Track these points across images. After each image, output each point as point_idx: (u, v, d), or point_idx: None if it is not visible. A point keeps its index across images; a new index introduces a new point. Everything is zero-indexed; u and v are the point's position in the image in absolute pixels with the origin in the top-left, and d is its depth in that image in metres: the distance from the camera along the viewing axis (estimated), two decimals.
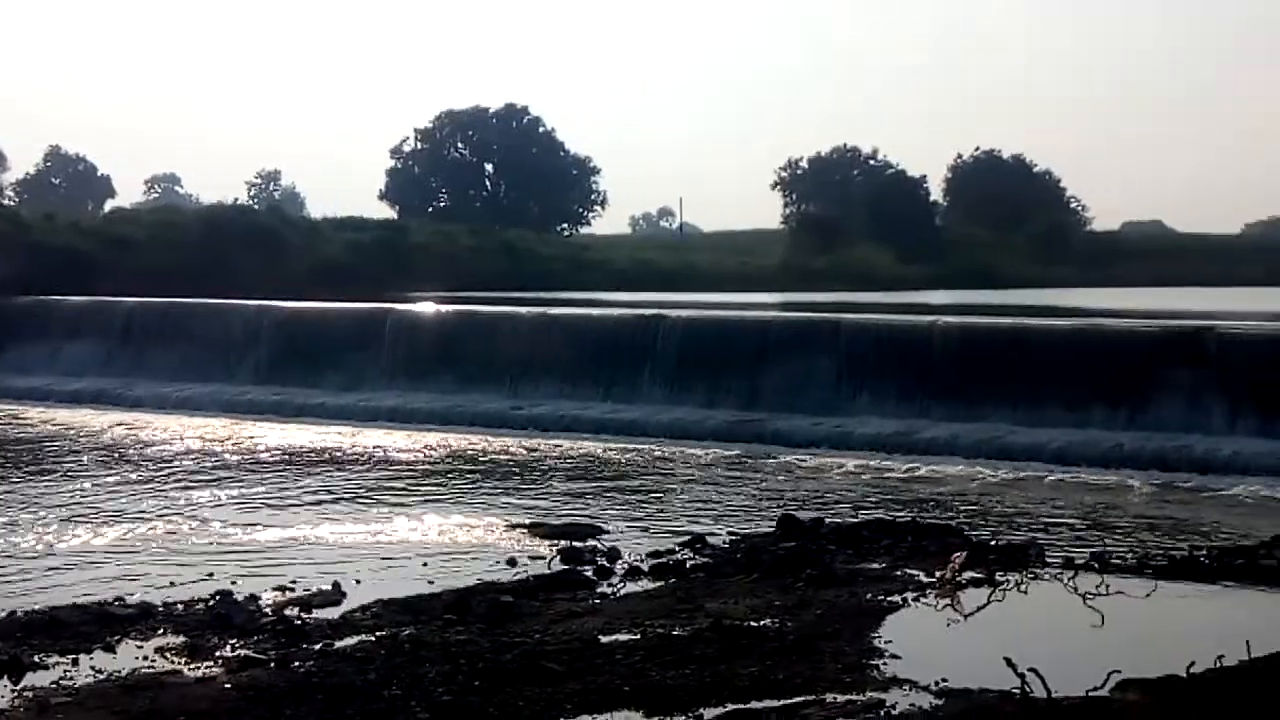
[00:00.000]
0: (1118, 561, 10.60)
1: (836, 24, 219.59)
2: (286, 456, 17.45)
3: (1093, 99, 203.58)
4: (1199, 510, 13.87)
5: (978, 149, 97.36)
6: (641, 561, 10.58)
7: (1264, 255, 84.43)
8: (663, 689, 7.07)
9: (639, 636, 8.12)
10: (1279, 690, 6.69)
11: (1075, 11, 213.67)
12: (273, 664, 7.58)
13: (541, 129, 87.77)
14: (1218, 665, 7.02)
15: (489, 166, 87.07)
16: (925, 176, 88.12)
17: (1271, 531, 11.53)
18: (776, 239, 76.95)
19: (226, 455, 17.47)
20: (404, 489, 14.82)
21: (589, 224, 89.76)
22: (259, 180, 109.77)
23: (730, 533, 11.87)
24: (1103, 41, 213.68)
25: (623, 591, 9.65)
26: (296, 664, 7.55)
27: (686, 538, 11.53)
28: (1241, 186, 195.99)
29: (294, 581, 9.87)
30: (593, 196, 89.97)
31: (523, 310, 24.69)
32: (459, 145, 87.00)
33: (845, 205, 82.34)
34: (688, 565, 10.46)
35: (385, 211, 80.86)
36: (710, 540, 11.43)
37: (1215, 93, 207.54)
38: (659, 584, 9.85)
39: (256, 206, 73.36)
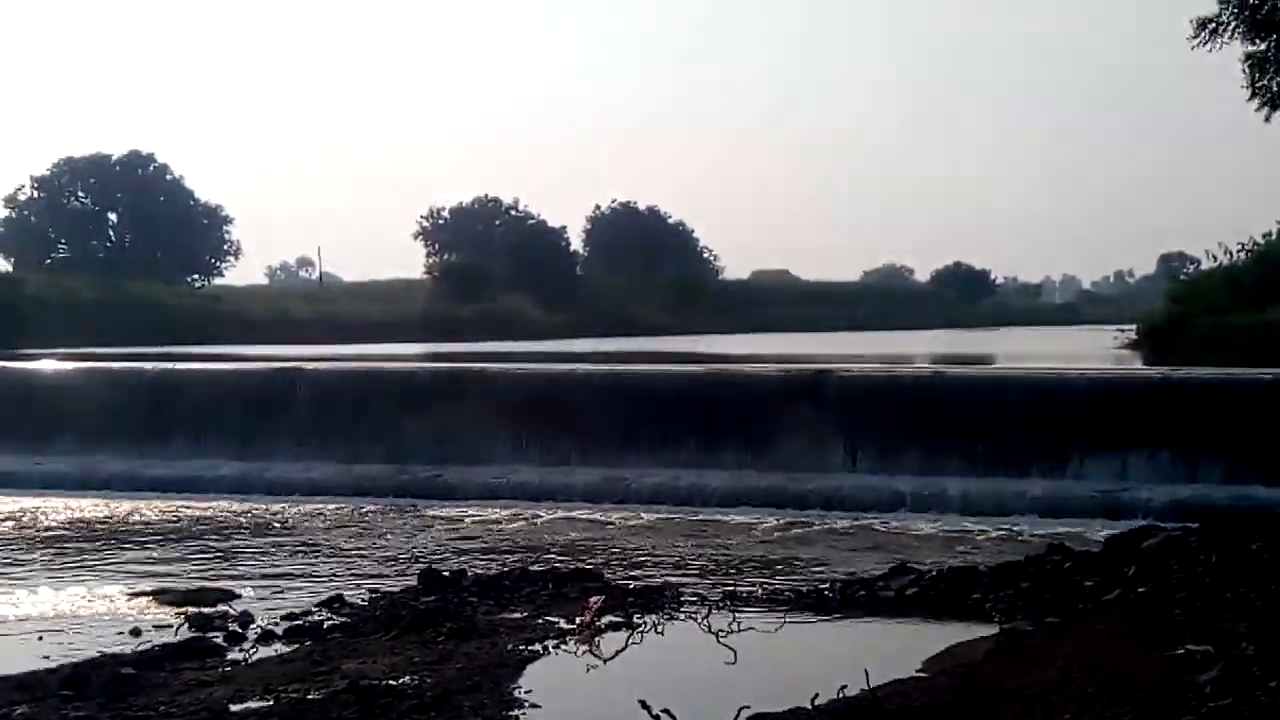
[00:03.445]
0: (748, 598, 10.98)
1: (469, 72, 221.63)
2: None
3: (723, 149, 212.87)
4: (823, 545, 14.54)
5: (614, 200, 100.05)
6: (276, 625, 10.19)
7: (878, 301, 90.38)
8: None
9: (272, 703, 7.82)
10: (894, 716, 7.06)
11: (703, 68, 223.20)
12: None
13: (169, 177, 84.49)
14: (840, 695, 7.34)
15: (113, 216, 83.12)
16: (565, 227, 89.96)
17: (888, 563, 12.20)
18: (420, 288, 76.73)
19: None
20: (17, 560, 13.80)
21: (222, 274, 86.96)
22: None
23: (370, 590, 11.60)
24: (732, 101, 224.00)
25: (255, 657, 9.27)
26: None
27: (324, 597, 11.22)
28: (860, 237, 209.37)
29: None
30: (225, 246, 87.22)
31: (148, 366, 23.57)
32: (80, 194, 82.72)
33: (488, 255, 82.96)
34: (325, 626, 10.15)
35: None
36: (349, 599, 11.15)
37: (838, 150, 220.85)
38: (294, 647, 9.53)
39: None
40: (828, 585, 11.36)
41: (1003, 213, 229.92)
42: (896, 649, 9.00)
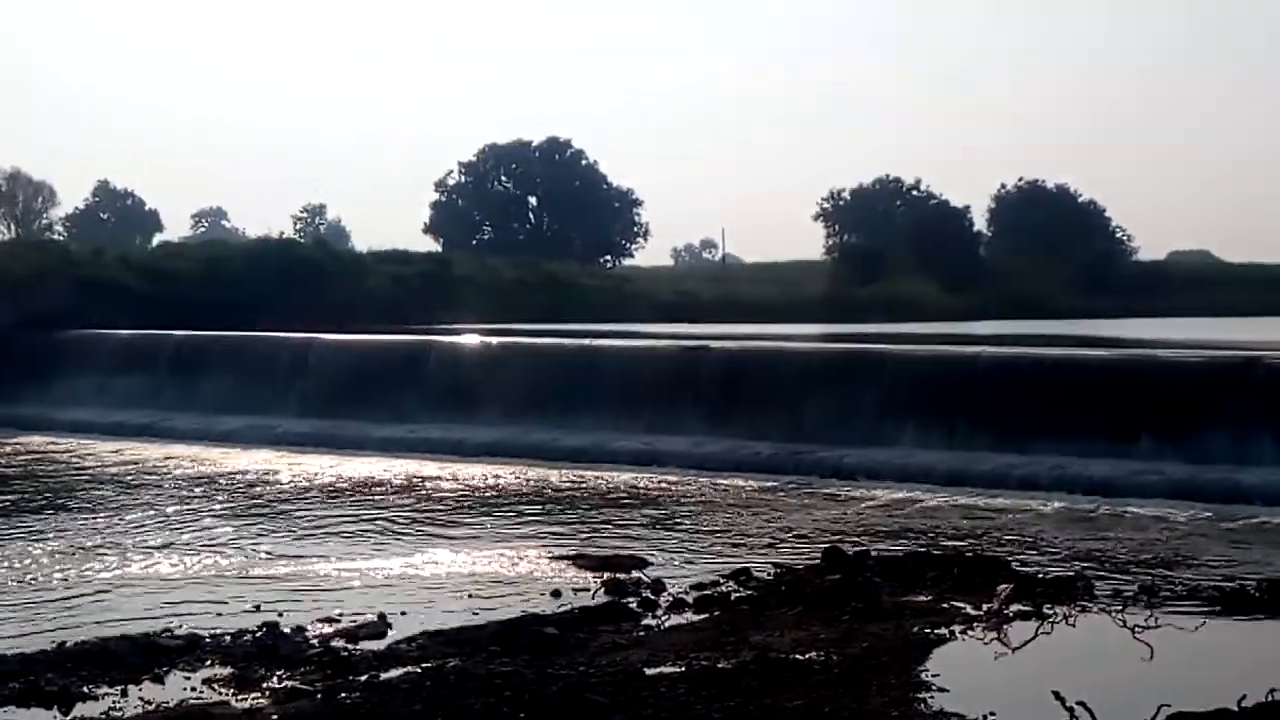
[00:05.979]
0: (1166, 594, 10.51)
1: (872, 55, 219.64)
2: (331, 488, 17.55)
3: (1137, 129, 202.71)
4: (1248, 542, 13.70)
5: (1021, 179, 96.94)
6: (686, 593, 10.55)
7: None
8: None
9: (683, 669, 8.10)
10: None
11: (1113, 42, 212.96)
12: (319, 695, 7.61)
13: (584, 162, 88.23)
14: (1269, 699, 6.94)
15: (532, 199, 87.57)
16: (969, 207, 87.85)
17: None
18: (819, 270, 76.83)
19: (271, 487, 17.59)
20: (449, 520, 14.86)
21: (632, 256, 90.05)
22: (305, 214, 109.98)
23: (774, 565, 11.81)
24: (1143, 74, 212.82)
25: (667, 624, 9.63)
26: (343, 695, 7.57)
27: (730, 570, 11.50)
28: None
29: (340, 613, 9.91)
30: (635, 229, 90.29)
31: (567, 342, 24.76)
32: (502, 178, 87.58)
33: (888, 236, 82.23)
34: (732, 597, 10.43)
35: (429, 244, 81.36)
36: (754, 572, 11.39)
37: (1258, 120, 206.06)
38: (703, 616, 9.83)
39: (302, 240, 73.95)
40: (1253, 584, 10.72)
41: None
42: None
